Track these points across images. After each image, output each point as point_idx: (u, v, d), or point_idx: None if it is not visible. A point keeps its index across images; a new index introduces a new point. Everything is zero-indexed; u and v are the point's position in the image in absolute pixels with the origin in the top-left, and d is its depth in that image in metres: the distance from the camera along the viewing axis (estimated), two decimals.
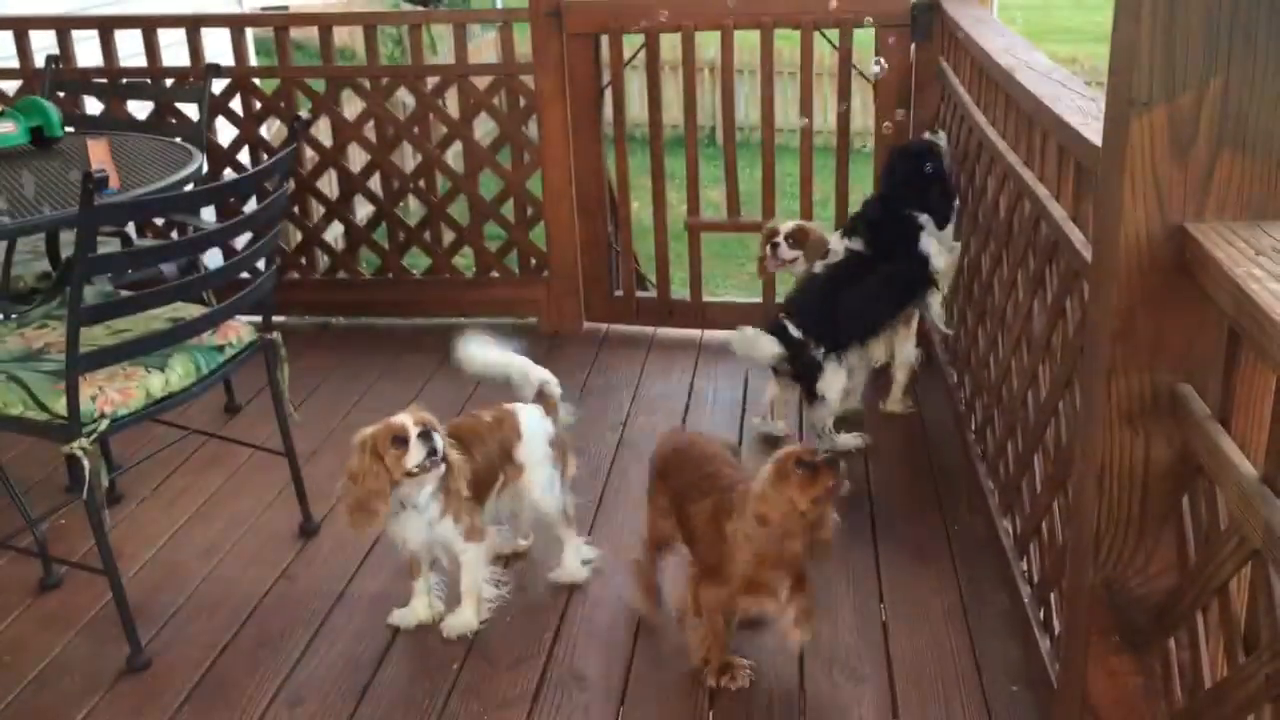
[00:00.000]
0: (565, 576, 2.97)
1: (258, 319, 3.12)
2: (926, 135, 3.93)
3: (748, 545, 2.39)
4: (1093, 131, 2.05)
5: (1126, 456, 1.77)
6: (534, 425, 2.87)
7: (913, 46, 4.19)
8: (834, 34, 4.23)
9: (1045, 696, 2.35)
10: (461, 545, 2.72)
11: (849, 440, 3.60)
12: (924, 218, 3.62)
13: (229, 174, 4.73)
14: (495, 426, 2.83)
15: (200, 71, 4.25)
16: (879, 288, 3.59)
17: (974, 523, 3.16)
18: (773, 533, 2.35)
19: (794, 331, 3.45)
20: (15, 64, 4.74)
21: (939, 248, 3.64)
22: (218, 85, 4.45)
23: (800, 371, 3.51)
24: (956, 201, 3.68)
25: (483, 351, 2.95)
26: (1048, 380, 2.48)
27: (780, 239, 3.81)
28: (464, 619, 2.78)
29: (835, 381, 3.50)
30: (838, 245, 3.73)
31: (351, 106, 4.90)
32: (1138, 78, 1.59)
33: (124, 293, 3.03)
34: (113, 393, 2.63)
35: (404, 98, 4.73)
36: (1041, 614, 2.48)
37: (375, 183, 4.73)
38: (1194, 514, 1.73)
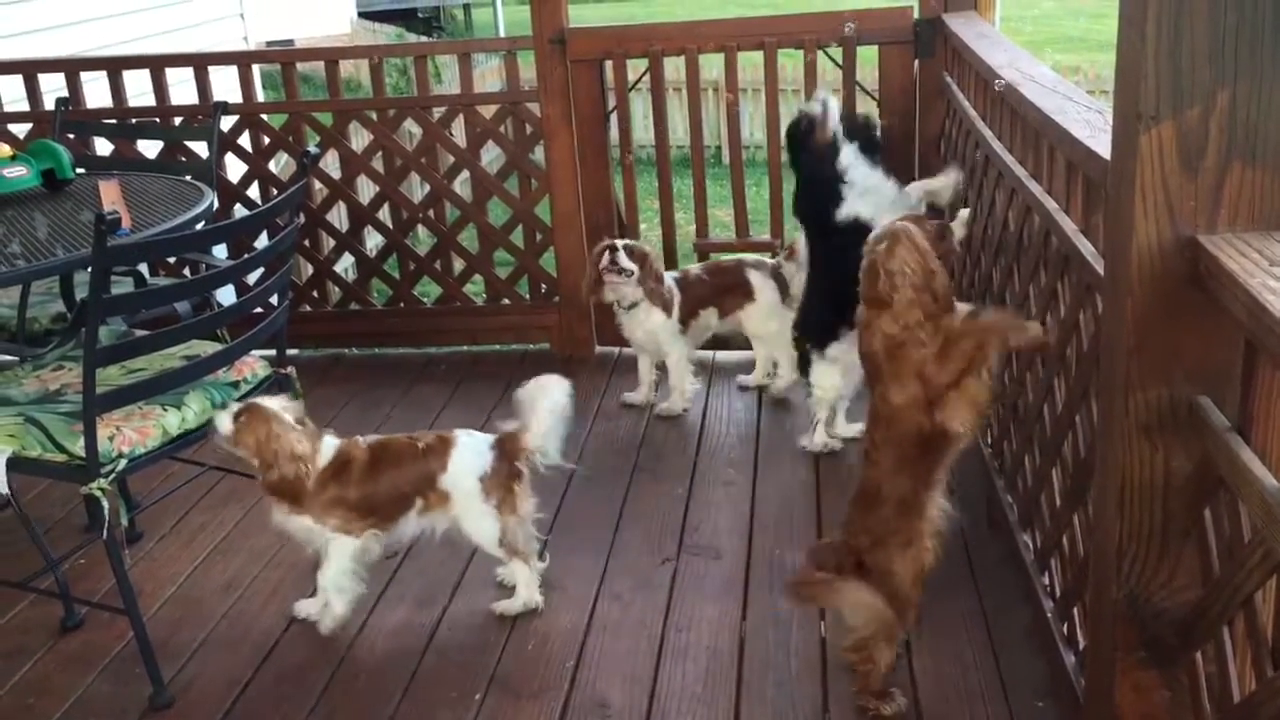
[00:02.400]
0: (511, 608, 2.98)
1: (272, 353, 3.13)
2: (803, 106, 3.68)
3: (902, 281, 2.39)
4: (1100, 145, 2.05)
5: (1146, 470, 1.76)
6: (465, 459, 2.86)
7: (916, 63, 4.20)
8: (837, 53, 4.25)
9: (1071, 711, 2.33)
10: (329, 536, 2.84)
11: (847, 430, 3.74)
12: (844, 185, 3.52)
13: (240, 210, 4.76)
14: (422, 453, 2.86)
15: (209, 109, 4.28)
16: (825, 283, 3.61)
17: (993, 537, 3.15)
18: (920, 271, 2.39)
19: None
20: (25, 106, 4.78)
21: (874, 205, 3.48)
22: (226, 122, 4.48)
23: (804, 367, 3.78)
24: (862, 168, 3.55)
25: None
26: (1064, 393, 2.47)
27: (619, 248, 3.84)
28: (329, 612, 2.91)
29: (823, 376, 3.63)
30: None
31: (359, 139, 4.92)
32: (1144, 92, 1.59)
33: (138, 332, 3.05)
34: (130, 432, 2.65)
35: (411, 128, 4.76)
36: (1065, 628, 2.46)
37: (385, 214, 4.76)
38: (1216, 526, 1.72)
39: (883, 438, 2.49)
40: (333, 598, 2.90)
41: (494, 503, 2.87)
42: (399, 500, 2.85)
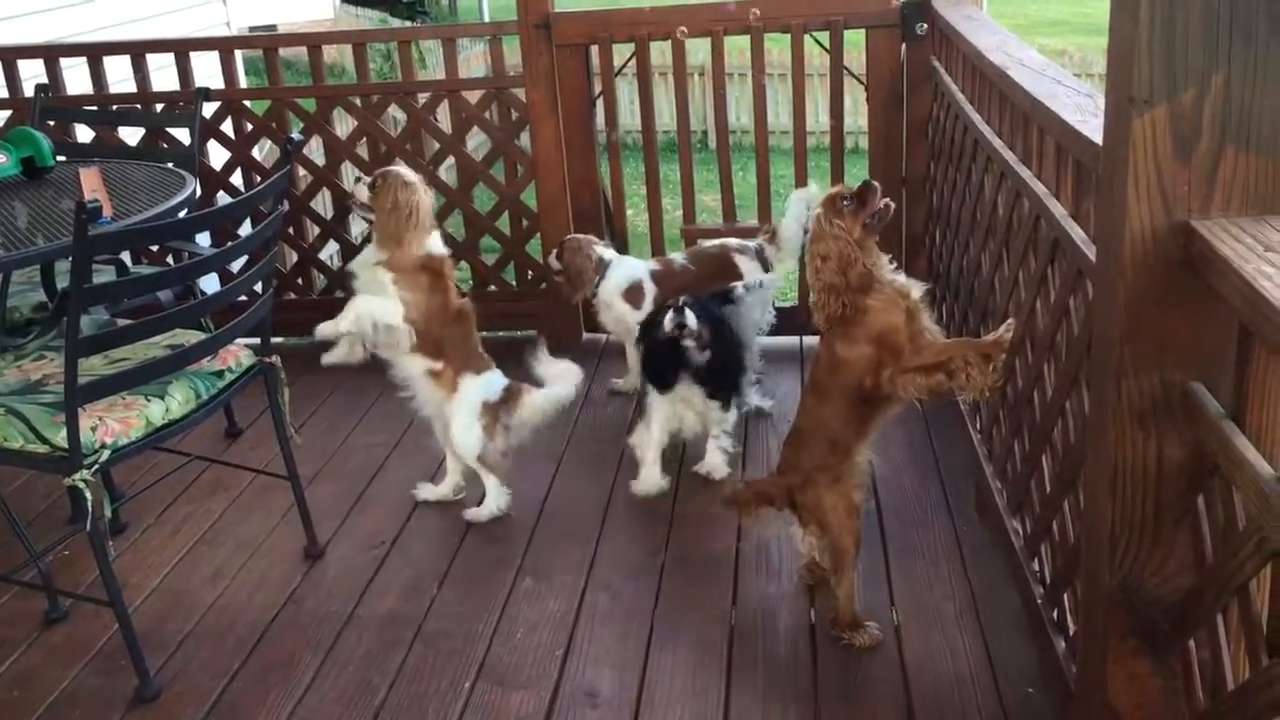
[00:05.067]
0: (480, 515, 3.38)
1: (256, 342, 3.10)
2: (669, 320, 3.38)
3: (818, 281, 2.57)
4: (1092, 129, 2.03)
5: (1139, 457, 1.75)
6: (484, 379, 3.34)
7: (903, 46, 4.18)
8: (824, 36, 4.23)
9: (1062, 698, 2.33)
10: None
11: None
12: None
13: (222, 197, 4.72)
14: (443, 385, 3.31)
15: (190, 95, 4.24)
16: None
17: (983, 523, 3.15)
18: (837, 257, 2.53)
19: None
20: (4, 93, 4.73)
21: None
22: (208, 108, 4.44)
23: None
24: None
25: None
26: (1053, 379, 2.46)
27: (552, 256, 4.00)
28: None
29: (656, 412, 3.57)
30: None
31: (343, 125, 4.88)
32: (1138, 76, 1.57)
33: (121, 321, 3.01)
34: (113, 423, 2.62)
35: (395, 114, 4.72)
36: (1055, 614, 2.46)
37: None
38: (1210, 513, 1.71)
39: (823, 383, 2.68)
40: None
41: (483, 423, 3.27)
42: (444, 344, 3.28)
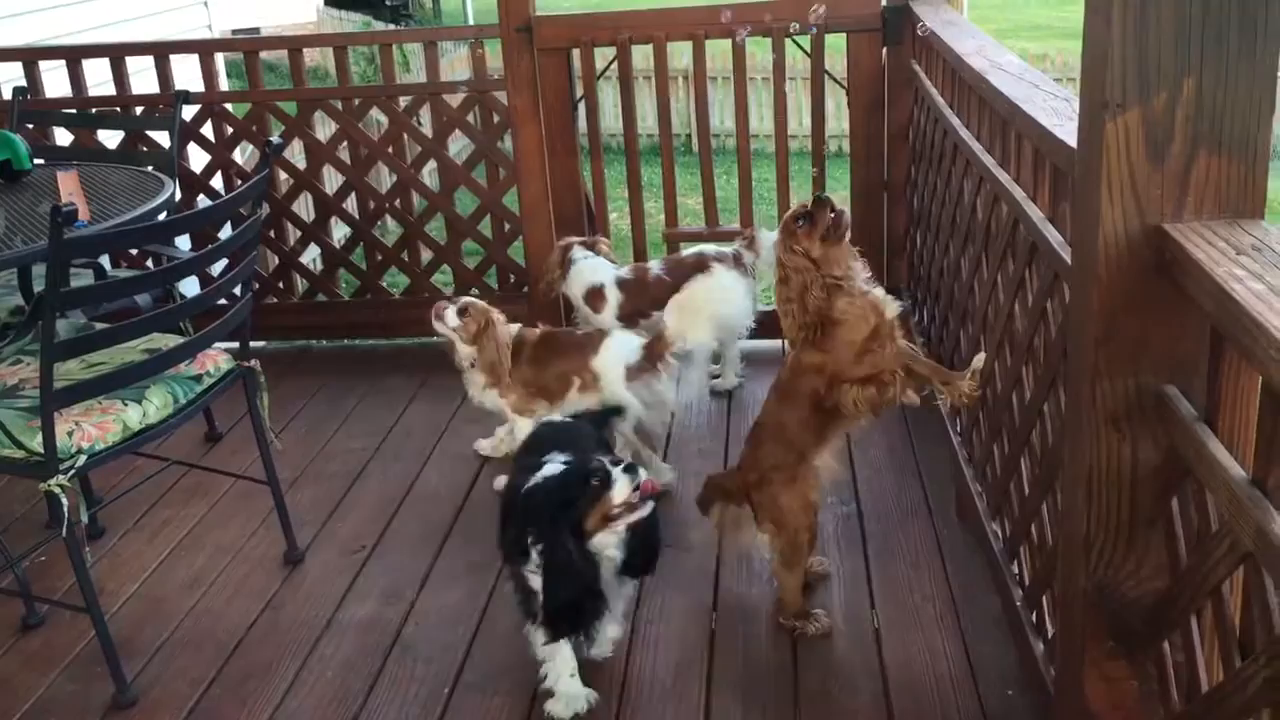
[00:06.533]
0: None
1: (235, 346, 3.09)
2: None
3: (781, 308, 2.62)
4: (1067, 133, 2.04)
5: (1114, 460, 1.76)
6: (609, 363, 3.42)
7: (884, 50, 4.19)
8: (805, 40, 4.23)
9: (1041, 700, 2.33)
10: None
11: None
12: None
13: (202, 200, 4.70)
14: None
15: (170, 98, 4.22)
16: None
17: (963, 526, 3.15)
18: (796, 285, 2.57)
19: None
20: None
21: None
22: (188, 111, 4.42)
23: None
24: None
25: None
26: (1031, 382, 2.47)
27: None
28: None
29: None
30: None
31: (324, 128, 4.87)
32: (1110, 80, 1.58)
33: (99, 325, 3.00)
34: (90, 427, 2.60)
35: (377, 116, 4.70)
36: (1034, 616, 2.46)
37: (351, 204, 4.71)
38: (1184, 516, 1.72)
39: (785, 385, 2.73)
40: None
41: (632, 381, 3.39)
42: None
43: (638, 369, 3.37)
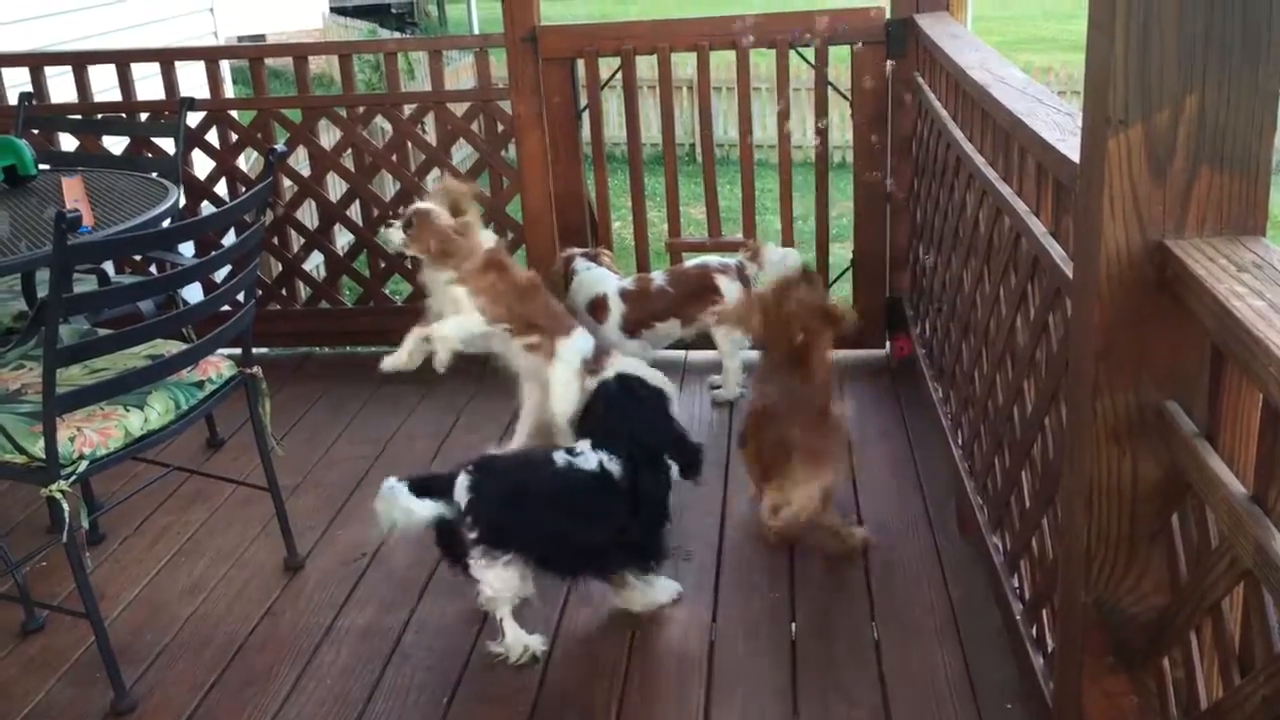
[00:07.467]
0: None
1: (238, 352, 3.09)
2: None
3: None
4: (1070, 148, 2.04)
5: (1115, 475, 1.76)
6: (569, 351, 3.49)
7: (889, 63, 4.20)
8: (809, 51, 4.24)
9: (1040, 714, 2.33)
10: None
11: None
12: None
13: (206, 207, 4.71)
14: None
15: (175, 105, 4.23)
16: None
17: (964, 539, 3.15)
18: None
19: None
20: None
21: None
22: (193, 118, 4.43)
23: None
24: None
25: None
26: (1033, 395, 2.47)
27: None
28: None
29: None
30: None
31: (329, 135, 4.88)
32: (1113, 96, 1.58)
33: (102, 330, 3.00)
34: (91, 433, 2.60)
35: (382, 124, 4.71)
36: (1034, 631, 2.46)
37: (355, 211, 4.71)
38: (1184, 532, 1.72)
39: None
40: None
41: (581, 382, 3.39)
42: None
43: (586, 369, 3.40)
